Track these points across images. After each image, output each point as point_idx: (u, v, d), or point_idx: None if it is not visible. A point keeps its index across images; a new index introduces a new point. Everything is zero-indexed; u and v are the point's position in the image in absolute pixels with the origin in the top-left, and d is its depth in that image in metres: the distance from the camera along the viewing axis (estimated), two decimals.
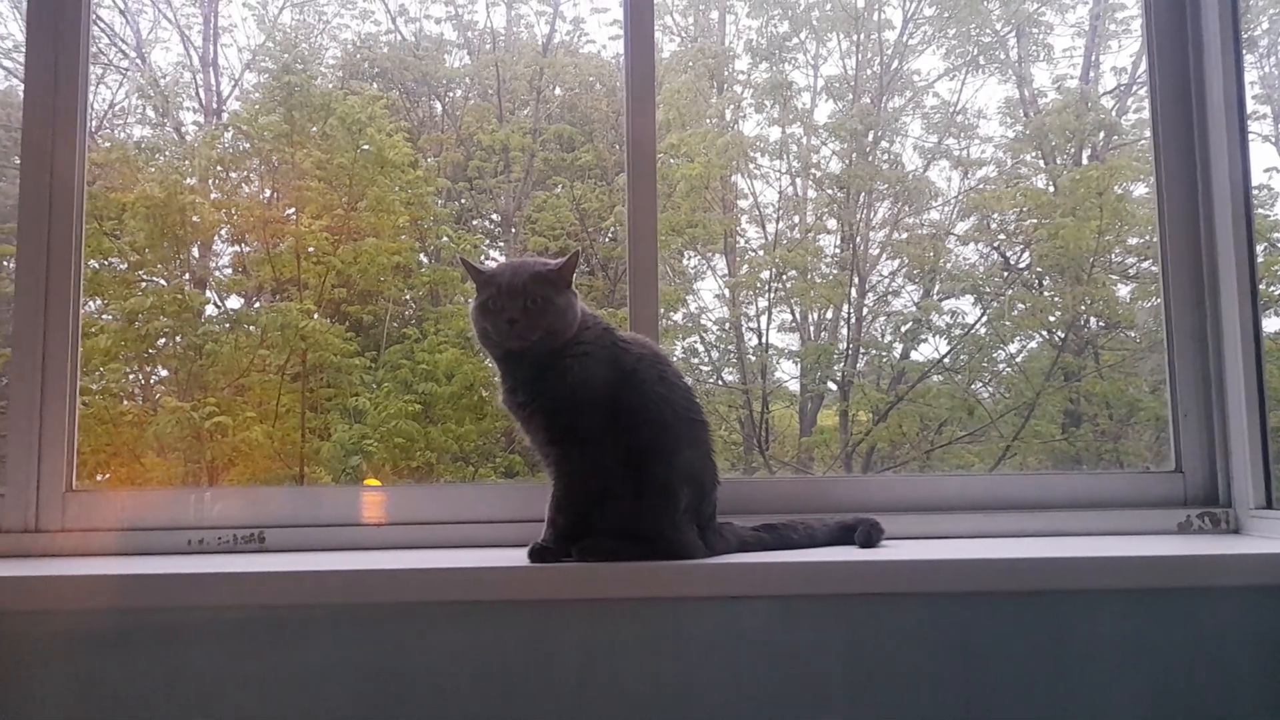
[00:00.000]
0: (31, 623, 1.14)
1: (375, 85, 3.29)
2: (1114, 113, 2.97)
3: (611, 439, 1.18)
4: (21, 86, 1.46)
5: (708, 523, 1.23)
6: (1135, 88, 2.93)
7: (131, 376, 2.90)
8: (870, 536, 1.27)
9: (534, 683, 1.15)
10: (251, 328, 2.84)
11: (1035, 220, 2.87)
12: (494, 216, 3.63)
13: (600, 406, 1.19)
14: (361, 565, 1.18)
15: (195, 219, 2.82)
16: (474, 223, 3.46)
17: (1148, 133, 2.74)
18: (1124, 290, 2.86)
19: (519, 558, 1.18)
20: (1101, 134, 2.94)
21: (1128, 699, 1.15)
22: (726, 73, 3.23)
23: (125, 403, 2.81)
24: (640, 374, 1.20)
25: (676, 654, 1.16)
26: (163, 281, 2.86)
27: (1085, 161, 2.97)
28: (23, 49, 1.46)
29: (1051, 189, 2.97)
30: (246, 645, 1.14)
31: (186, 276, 2.90)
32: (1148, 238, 2.77)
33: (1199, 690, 1.15)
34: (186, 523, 1.35)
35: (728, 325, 3.18)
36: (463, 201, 3.40)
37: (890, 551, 1.24)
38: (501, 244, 3.55)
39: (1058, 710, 1.15)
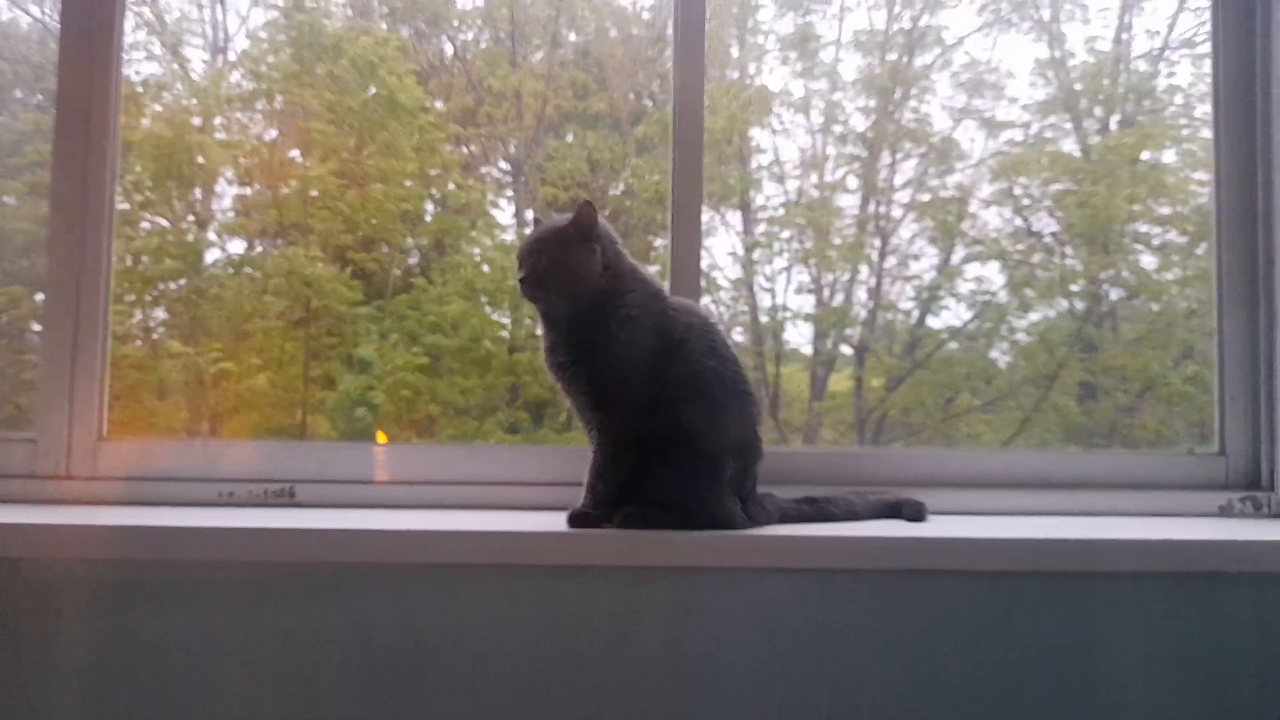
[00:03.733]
0: (62, 570, 1.14)
1: (384, 25, 3.17)
2: (1146, 76, 2.90)
3: (656, 408, 1.17)
4: (24, 18, 1.41)
5: (749, 494, 1.23)
6: (1168, 51, 2.86)
7: (134, 320, 2.85)
8: (918, 512, 1.27)
9: (571, 649, 1.15)
10: (256, 272, 2.78)
11: (1063, 186, 2.82)
12: (503, 165, 3.55)
13: (645, 374, 1.17)
14: (395, 525, 1.17)
15: (201, 159, 2.75)
16: (482, 170, 3.38)
17: (1179, 99, 2.67)
18: (1149, 260, 2.82)
19: (558, 522, 1.17)
20: (1132, 98, 2.88)
21: (1166, 682, 1.16)
22: (750, 23, 3.13)
23: (126, 346, 2.76)
24: (690, 344, 1.19)
25: (716, 624, 1.16)
26: (165, 223, 2.79)
27: (1114, 127, 2.91)
28: None
29: (1078, 152, 2.92)
30: (275, 601, 1.13)
31: (191, 218, 2.83)
32: (1179, 208, 2.73)
33: (1238, 675, 1.16)
34: (217, 475, 1.33)
35: (741, 285, 3.14)
36: (471, 148, 3.32)
37: (933, 528, 1.24)
38: (510, 193, 3.48)
39: (1095, 692, 1.16)
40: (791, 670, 1.16)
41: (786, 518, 1.25)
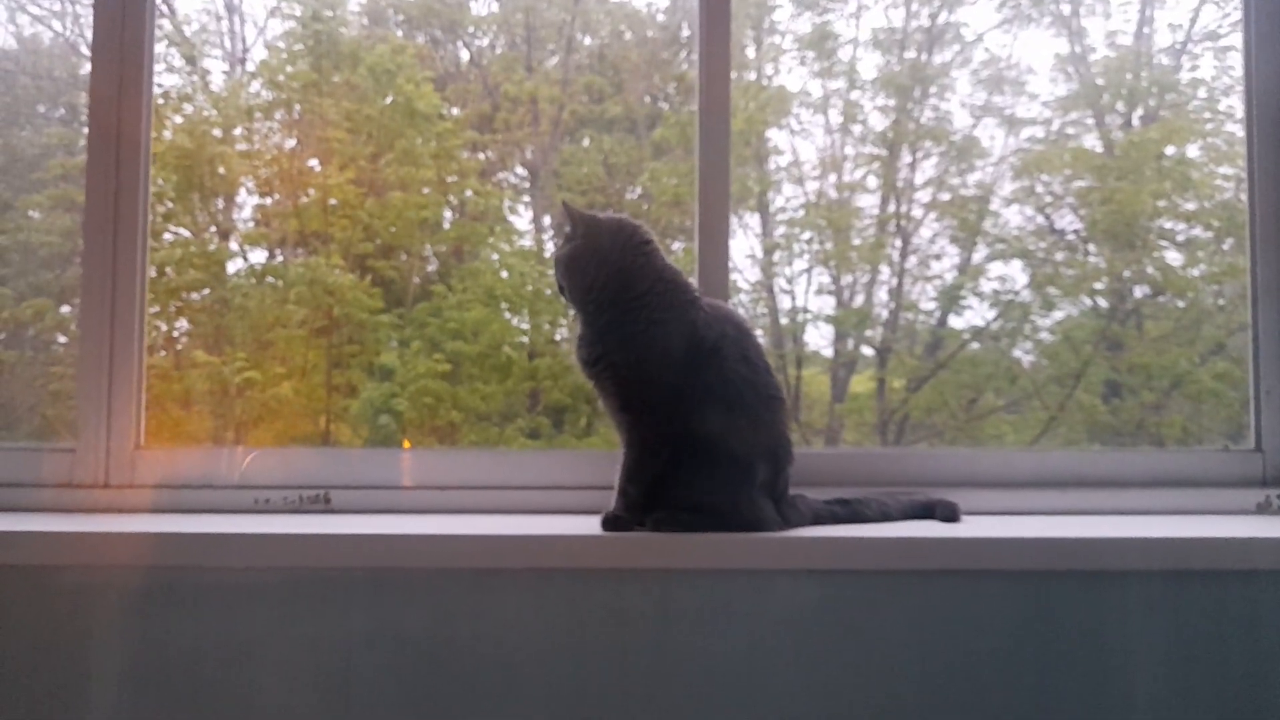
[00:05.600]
0: (102, 577, 1.15)
1: (400, 33, 3.20)
2: (1170, 70, 2.88)
3: (686, 412, 1.17)
4: (47, 34, 1.45)
5: (782, 496, 1.22)
6: (1191, 44, 2.84)
7: (158, 329, 2.88)
8: (952, 513, 1.26)
9: (605, 652, 1.15)
10: (278, 281, 2.81)
11: (1086, 183, 2.80)
12: (520, 170, 3.56)
13: (672, 377, 1.17)
14: (430, 530, 1.17)
15: (222, 170, 2.78)
16: (499, 176, 3.39)
17: (1203, 93, 2.65)
18: (1174, 256, 2.80)
19: (590, 525, 1.18)
20: (1155, 92, 2.85)
21: (1205, 680, 1.15)
22: (766, 23, 3.13)
23: (152, 356, 2.78)
24: (723, 352, 1.19)
25: (751, 626, 1.16)
26: (187, 233, 2.82)
27: (1136, 122, 2.88)
28: None
29: (1100, 148, 2.90)
30: (312, 606, 1.14)
31: (214, 229, 2.86)
32: (1205, 203, 2.71)
33: (1278, 672, 1.15)
34: (253, 481, 1.34)
35: (762, 287, 3.14)
36: (488, 154, 3.34)
37: (967, 528, 1.23)
38: (527, 199, 3.49)
39: (1132, 691, 1.15)
40: (826, 671, 1.16)
41: (819, 519, 1.25)
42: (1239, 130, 2.78)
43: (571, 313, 1.27)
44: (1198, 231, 2.72)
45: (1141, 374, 2.69)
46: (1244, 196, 2.41)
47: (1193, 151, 2.71)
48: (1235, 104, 2.73)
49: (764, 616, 1.16)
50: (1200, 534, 1.18)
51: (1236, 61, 2.79)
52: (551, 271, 1.28)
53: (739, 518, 1.17)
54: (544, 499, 1.35)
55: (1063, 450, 2.10)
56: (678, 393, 1.17)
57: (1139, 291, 2.79)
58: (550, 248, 3.15)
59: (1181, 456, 1.43)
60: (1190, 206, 2.70)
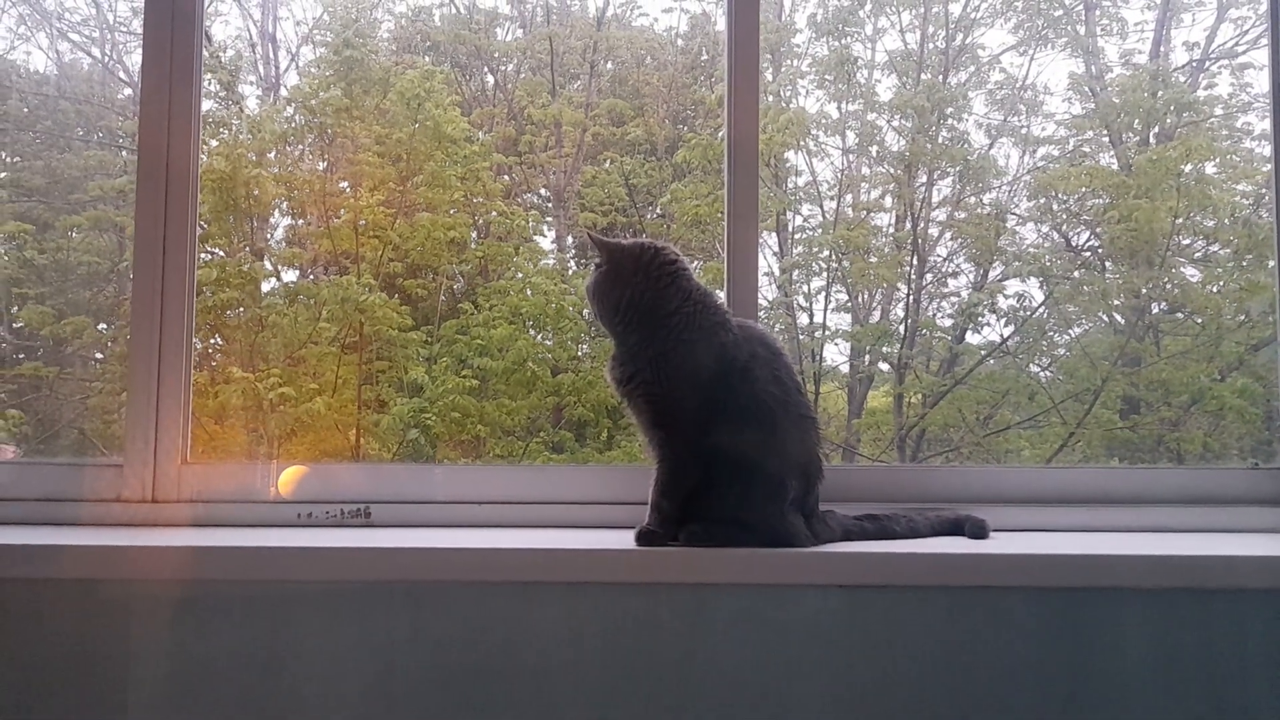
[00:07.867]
0: (148, 590, 1.17)
1: (428, 59, 3.27)
2: (1187, 89, 2.90)
3: (718, 430, 1.18)
4: (86, 59, 1.49)
5: (812, 512, 1.24)
6: (1207, 62, 2.86)
7: (194, 346, 2.93)
8: (981, 529, 1.27)
9: (639, 665, 1.16)
10: (310, 299, 2.87)
11: (1104, 201, 2.81)
12: (542, 191, 3.62)
13: (702, 396, 1.19)
14: (468, 544, 1.20)
15: (256, 192, 2.85)
16: (525, 196, 3.45)
17: (1219, 110, 2.66)
18: (1192, 273, 2.80)
19: (625, 540, 1.19)
20: (1172, 110, 2.87)
21: (1237, 698, 1.15)
22: (784, 48, 3.18)
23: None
24: (754, 372, 1.20)
25: (782, 640, 1.17)
26: (222, 253, 2.89)
27: (1152, 140, 2.90)
28: (89, 23, 1.49)
29: (1115, 165, 2.91)
30: (351, 620, 1.16)
31: (248, 249, 2.93)
32: (1224, 220, 2.72)
33: None
34: (296, 496, 1.37)
35: (779, 305, 3.17)
36: (512, 175, 3.40)
37: (996, 544, 1.24)
38: (550, 220, 3.55)
39: (1160, 708, 1.14)
40: (856, 685, 1.17)
41: (849, 535, 1.26)
42: (1257, 147, 2.80)
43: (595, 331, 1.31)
44: (1216, 248, 2.74)
45: (1160, 390, 2.69)
46: (1265, 214, 2.42)
47: (1210, 169, 2.73)
48: (1253, 121, 2.75)
49: (794, 630, 1.17)
50: (1231, 552, 1.17)
51: (1254, 79, 2.83)
52: (574, 291, 1.32)
53: (771, 533, 1.18)
54: (578, 514, 1.38)
55: (1089, 467, 2.10)
56: (708, 410, 1.19)
57: (1156, 308, 2.80)
58: (573, 267, 3.20)
59: (1210, 474, 1.42)
60: (1209, 223, 2.71)
